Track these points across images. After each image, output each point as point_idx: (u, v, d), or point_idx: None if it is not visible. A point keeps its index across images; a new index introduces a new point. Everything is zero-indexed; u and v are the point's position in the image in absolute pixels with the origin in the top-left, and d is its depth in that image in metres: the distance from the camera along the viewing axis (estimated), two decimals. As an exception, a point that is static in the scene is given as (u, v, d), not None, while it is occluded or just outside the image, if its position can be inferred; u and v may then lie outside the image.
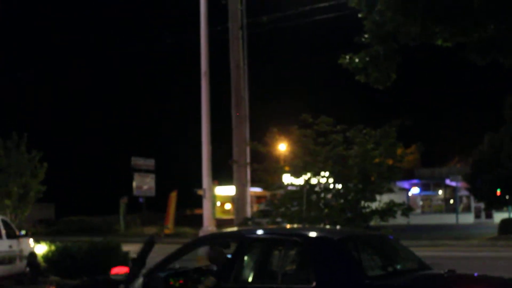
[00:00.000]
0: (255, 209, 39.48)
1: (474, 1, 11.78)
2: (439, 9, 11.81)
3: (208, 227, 20.45)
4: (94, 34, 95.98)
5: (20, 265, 18.81)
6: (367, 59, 13.76)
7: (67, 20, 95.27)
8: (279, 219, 16.95)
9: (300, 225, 14.50)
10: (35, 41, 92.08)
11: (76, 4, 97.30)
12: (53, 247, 18.93)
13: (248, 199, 20.67)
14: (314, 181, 16.61)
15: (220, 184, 46.68)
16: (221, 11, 21.65)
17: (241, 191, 20.46)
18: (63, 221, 56.05)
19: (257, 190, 33.90)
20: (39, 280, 18.66)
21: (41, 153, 30.42)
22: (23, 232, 19.77)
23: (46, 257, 18.91)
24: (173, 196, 50.34)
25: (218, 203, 54.57)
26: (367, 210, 16.39)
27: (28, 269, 19.12)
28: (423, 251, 20.60)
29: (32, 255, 19.49)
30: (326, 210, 16.33)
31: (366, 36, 13.79)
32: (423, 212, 61.01)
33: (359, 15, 13.85)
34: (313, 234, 8.25)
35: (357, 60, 13.87)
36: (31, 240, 20.10)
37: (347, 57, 14.06)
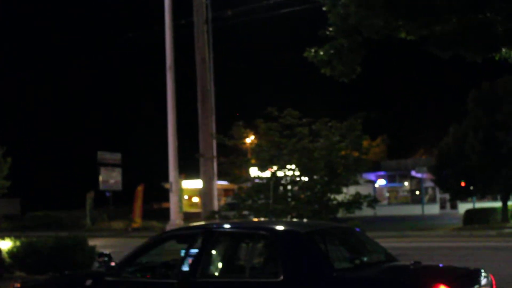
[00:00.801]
0: (222, 202, 39.52)
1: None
2: (401, 3, 11.89)
3: (176, 220, 20.43)
4: (56, 28, 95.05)
5: (-15, 262, 18.60)
6: (332, 52, 13.80)
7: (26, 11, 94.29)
8: (246, 212, 17.00)
9: (267, 218, 14.54)
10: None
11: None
12: (18, 243, 18.72)
13: (215, 193, 20.68)
14: (280, 174, 16.68)
15: (187, 177, 46.53)
16: (185, 5, 21.58)
17: (208, 185, 20.46)
18: (29, 216, 55.45)
19: (224, 183, 33.93)
20: (4, 276, 18.46)
21: (5, 148, 30.09)
22: (-13, 228, 19.56)
23: (11, 252, 18.70)
24: (140, 190, 50.15)
25: (186, 197, 54.46)
26: (334, 202, 16.50)
27: (-8, 265, 18.92)
28: (389, 242, 20.79)
29: (-3, 251, 19.28)
30: (293, 203, 16.41)
31: (330, 29, 13.83)
32: (389, 204, 61.52)
33: (324, 9, 13.89)
34: (280, 227, 8.28)
35: (322, 53, 13.90)
36: (-5, 236, 19.88)
37: (312, 50, 14.09)
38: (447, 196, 48.69)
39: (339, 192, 16.63)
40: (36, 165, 72.42)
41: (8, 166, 30.16)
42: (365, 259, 8.24)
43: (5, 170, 30.07)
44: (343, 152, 16.54)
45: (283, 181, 16.81)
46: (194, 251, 8.43)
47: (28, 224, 51.52)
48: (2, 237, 20.81)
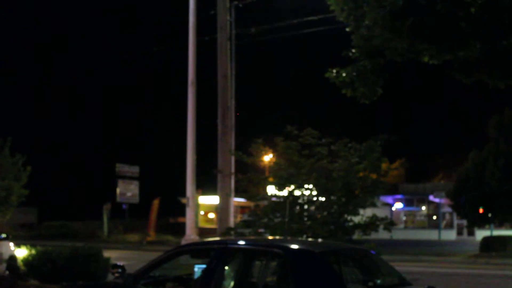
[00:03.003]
0: (238, 219, 39.45)
1: (460, 21, 11.88)
2: (426, 28, 11.88)
3: (191, 235, 20.45)
4: (81, 41, 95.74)
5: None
6: (354, 73, 13.79)
7: (49, 23, 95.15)
8: (261, 230, 16.96)
9: (282, 237, 14.49)
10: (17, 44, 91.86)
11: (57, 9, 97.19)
12: (33, 251, 18.80)
13: (232, 209, 20.68)
14: (297, 193, 16.63)
15: (204, 193, 46.67)
16: (209, 21, 21.69)
17: (225, 201, 20.47)
18: (45, 225, 55.75)
19: (241, 200, 33.91)
20: (18, 283, 18.53)
21: (25, 157, 30.28)
22: (3, 235, 19.66)
23: (26, 261, 18.78)
24: (156, 203, 50.28)
25: (202, 212, 54.48)
26: (350, 223, 16.42)
27: (7, 272, 19.01)
28: (404, 266, 20.66)
29: (12, 258, 19.38)
30: (309, 223, 16.35)
31: (353, 50, 13.84)
32: (406, 227, 61.16)
33: (347, 29, 13.91)
34: (294, 246, 8.26)
35: (344, 74, 13.90)
36: (11, 244, 19.99)
37: (334, 71, 14.09)
38: (464, 222, 48.31)
39: (356, 213, 16.55)
40: (54, 175, 72.79)
41: (27, 175, 30.31)
42: (378, 281, 8.19)
43: (24, 179, 30.22)
44: (361, 174, 16.47)
45: (300, 201, 16.75)
46: (208, 266, 8.42)
47: (44, 233, 51.79)
48: (18, 245, 20.92)
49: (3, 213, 29.50)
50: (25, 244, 21.20)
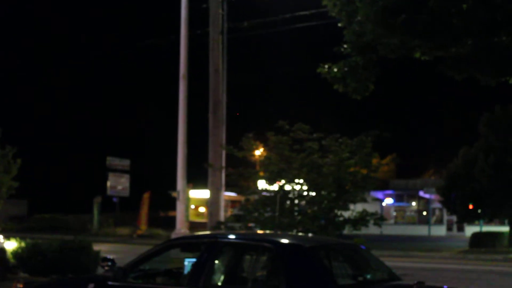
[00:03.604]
0: (229, 213, 39.49)
1: (453, 18, 11.91)
2: (419, 24, 11.91)
3: (181, 229, 20.44)
4: (71, 35, 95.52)
5: (-11, 261, 18.64)
6: (346, 69, 13.83)
7: (41, 20, 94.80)
8: (252, 224, 16.98)
9: (272, 231, 14.51)
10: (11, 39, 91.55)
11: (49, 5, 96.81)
12: (23, 244, 18.75)
13: (222, 203, 20.68)
14: (288, 187, 16.66)
15: (195, 187, 46.61)
16: (202, 15, 21.64)
17: (215, 195, 20.47)
18: (35, 218, 55.60)
19: (231, 194, 33.91)
20: (8, 276, 18.48)
21: (15, 149, 30.17)
22: (-7, 228, 19.59)
23: (15, 253, 18.73)
24: (146, 197, 50.23)
25: (192, 206, 54.46)
26: (340, 218, 16.46)
27: (-4, 265, 18.94)
28: (394, 261, 20.70)
29: (2, 251, 19.31)
30: (299, 217, 16.38)
31: (345, 46, 13.87)
32: (396, 223, 61.29)
33: (339, 25, 13.92)
34: (284, 241, 8.27)
35: (335, 69, 13.93)
36: (1, 236, 19.92)
37: (326, 66, 14.12)
38: (454, 218, 48.50)
39: (346, 208, 16.60)
40: (45, 167, 72.59)
41: (17, 167, 30.19)
42: (368, 276, 8.21)
43: (14, 171, 30.10)
44: (351, 169, 16.51)
45: (290, 195, 16.78)
46: (198, 260, 8.42)
47: (34, 226, 51.66)
48: (8, 238, 20.84)
49: (-7, 206, 29.39)
50: (14, 237, 21.13)
